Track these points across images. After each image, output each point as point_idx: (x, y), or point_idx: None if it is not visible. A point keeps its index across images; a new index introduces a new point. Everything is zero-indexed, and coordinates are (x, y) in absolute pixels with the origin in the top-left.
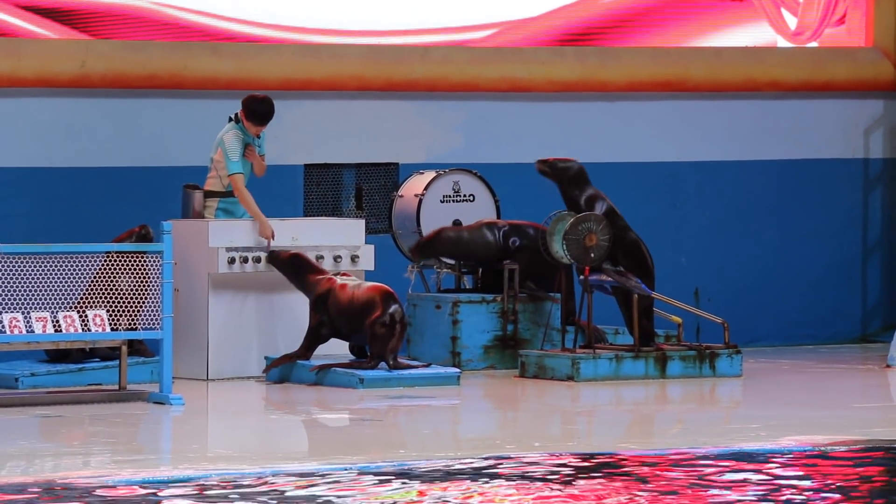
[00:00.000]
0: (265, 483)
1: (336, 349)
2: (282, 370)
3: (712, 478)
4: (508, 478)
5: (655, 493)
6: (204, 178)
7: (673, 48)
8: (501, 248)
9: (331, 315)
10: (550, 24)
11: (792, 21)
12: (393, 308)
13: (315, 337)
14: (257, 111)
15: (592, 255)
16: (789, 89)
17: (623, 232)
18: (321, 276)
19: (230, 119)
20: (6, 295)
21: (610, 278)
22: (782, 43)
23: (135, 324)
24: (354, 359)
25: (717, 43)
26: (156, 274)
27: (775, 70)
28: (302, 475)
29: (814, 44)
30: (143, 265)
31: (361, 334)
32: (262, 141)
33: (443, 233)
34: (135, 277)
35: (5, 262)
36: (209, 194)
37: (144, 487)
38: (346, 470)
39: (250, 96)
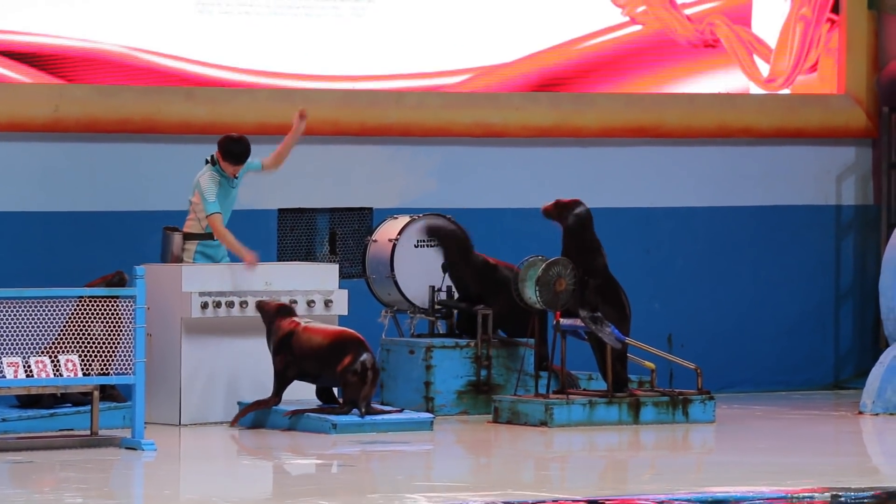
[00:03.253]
0: None
1: (308, 394)
2: (255, 415)
3: None
4: None
5: None
6: (179, 222)
7: (647, 94)
8: (482, 276)
9: (296, 356)
10: (525, 69)
11: (764, 68)
12: (364, 356)
13: (283, 380)
14: (233, 151)
15: (562, 299)
16: (762, 136)
17: (607, 281)
18: (287, 319)
19: (206, 161)
20: None
21: (583, 324)
22: (755, 89)
23: (107, 369)
24: (322, 403)
25: (690, 89)
26: (128, 319)
27: (748, 116)
28: None
29: (786, 91)
30: (115, 310)
31: (330, 378)
32: (239, 182)
33: (447, 223)
34: (107, 323)
35: None
36: (188, 236)
37: None
38: None
39: (226, 137)
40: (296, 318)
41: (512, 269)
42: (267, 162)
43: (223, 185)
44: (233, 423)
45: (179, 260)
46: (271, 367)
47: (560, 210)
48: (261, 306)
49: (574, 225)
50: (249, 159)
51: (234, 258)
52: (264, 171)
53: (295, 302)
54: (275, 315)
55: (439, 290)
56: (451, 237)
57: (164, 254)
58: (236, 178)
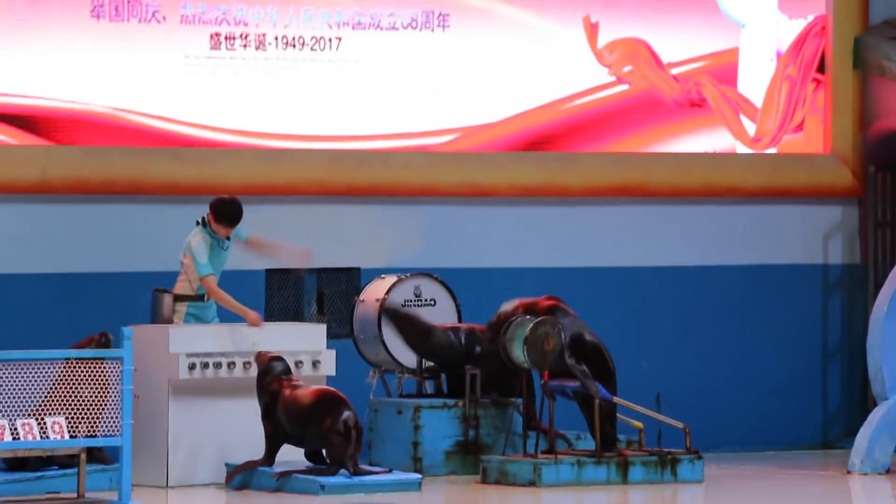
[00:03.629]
0: None
1: (298, 455)
2: (243, 476)
3: None
4: None
5: None
6: (166, 282)
7: (633, 153)
8: (462, 352)
9: (281, 420)
10: (511, 128)
11: (751, 127)
12: (346, 414)
13: (274, 443)
14: (226, 213)
15: (550, 358)
16: (749, 195)
17: (583, 337)
18: (273, 381)
19: (197, 223)
20: None
21: (571, 383)
22: (741, 149)
23: (94, 431)
24: (312, 465)
25: (676, 148)
26: (115, 380)
27: (735, 176)
28: None
29: (773, 150)
30: (102, 372)
31: (315, 439)
32: (230, 244)
33: (413, 313)
34: (94, 384)
35: None
36: (179, 298)
37: None
38: None
39: (218, 198)
40: (283, 379)
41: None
42: (252, 240)
43: (214, 247)
44: (228, 481)
45: (170, 321)
46: (259, 429)
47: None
48: (256, 357)
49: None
50: (239, 226)
51: (225, 318)
52: (248, 246)
53: None
54: (265, 371)
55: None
56: (406, 321)
57: (155, 316)
58: (228, 239)
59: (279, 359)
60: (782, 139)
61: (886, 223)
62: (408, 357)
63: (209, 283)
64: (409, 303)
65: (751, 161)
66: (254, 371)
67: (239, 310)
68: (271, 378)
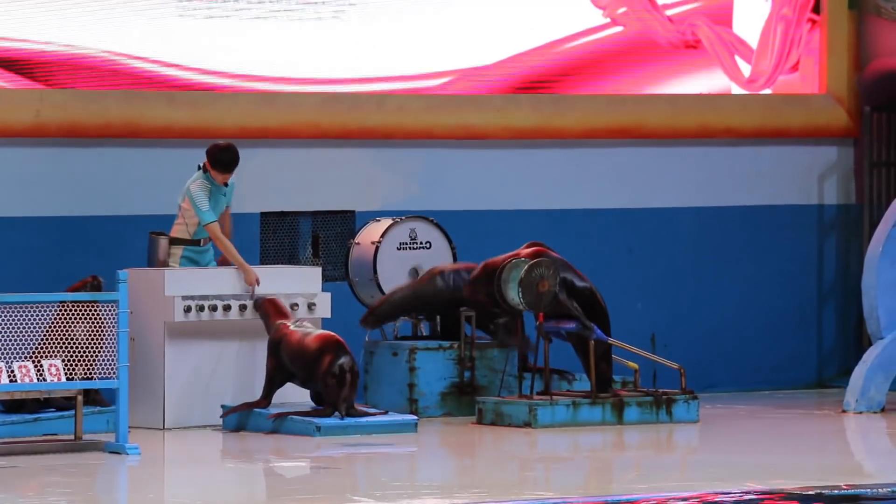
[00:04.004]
0: None
1: (295, 397)
2: (239, 417)
3: None
4: None
5: None
6: (161, 226)
7: (628, 96)
8: (454, 296)
9: (283, 361)
10: (506, 71)
11: (746, 68)
12: (342, 359)
13: (271, 383)
14: (222, 159)
15: (545, 300)
16: (744, 136)
17: (575, 281)
18: (280, 322)
19: (198, 167)
20: None
21: (566, 325)
22: (736, 90)
23: (90, 373)
24: (314, 406)
25: (672, 90)
26: (111, 323)
27: (730, 117)
28: None
29: (768, 91)
30: (96, 314)
31: (313, 382)
32: (230, 190)
33: (391, 298)
34: (89, 327)
35: None
36: (175, 241)
37: None
38: None
39: (214, 145)
40: (286, 322)
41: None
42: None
43: (213, 193)
44: (226, 415)
45: (165, 265)
46: (255, 370)
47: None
48: (257, 304)
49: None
50: (233, 185)
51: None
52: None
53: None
54: (273, 314)
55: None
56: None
57: (151, 259)
58: (226, 185)
59: (276, 301)
60: (777, 80)
61: (881, 163)
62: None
63: (214, 230)
64: (404, 246)
65: (746, 102)
66: (249, 313)
67: (239, 264)
68: (280, 317)
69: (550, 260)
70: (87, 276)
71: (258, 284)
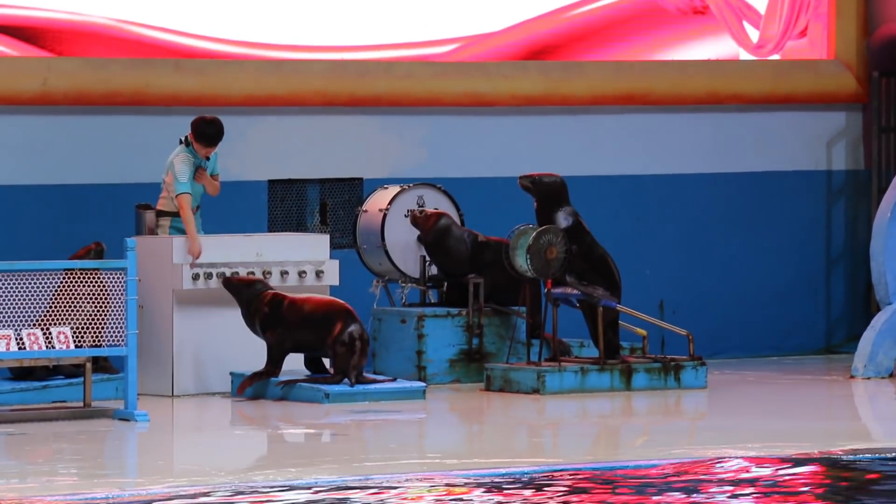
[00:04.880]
0: (237, 496)
1: (297, 364)
2: (254, 388)
3: (676, 491)
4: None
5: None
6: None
7: (636, 62)
8: (470, 256)
9: (289, 328)
10: (513, 38)
11: (754, 34)
12: (352, 327)
13: (280, 352)
14: (206, 133)
15: (553, 267)
16: (752, 102)
17: (590, 247)
18: (261, 296)
19: (180, 142)
20: None
21: (575, 291)
22: (745, 56)
23: (99, 340)
24: (311, 373)
25: (679, 56)
26: (119, 291)
27: (738, 83)
28: (269, 489)
29: (776, 56)
30: (102, 282)
31: (320, 349)
32: (213, 162)
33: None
34: (96, 294)
35: None
36: (161, 213)
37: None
38: (314, 484)
39: (199, 118)
40: (273, 291)
41: (502, 243)
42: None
43: (195, 166)
44: (241, 390)
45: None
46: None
47: (533, 182)
48: (230, 282)
49: (555, 193)
50: (216, 157)
51: (227, 229)
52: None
53: (286, 273)
54: (252, 290)
55: (430, 261)
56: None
57: (139, 231)
58: (208, 159)
59: (260, 280)
60: (786, 45)
61: (890, 128)
62: (411, 266)
63: (183, 201)
64: (411, 212)
65: (754, 68)
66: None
67: (190, 233)
68: (256, 295)
69: (558, 227)
70: (91, 243)
71: (198, 257)
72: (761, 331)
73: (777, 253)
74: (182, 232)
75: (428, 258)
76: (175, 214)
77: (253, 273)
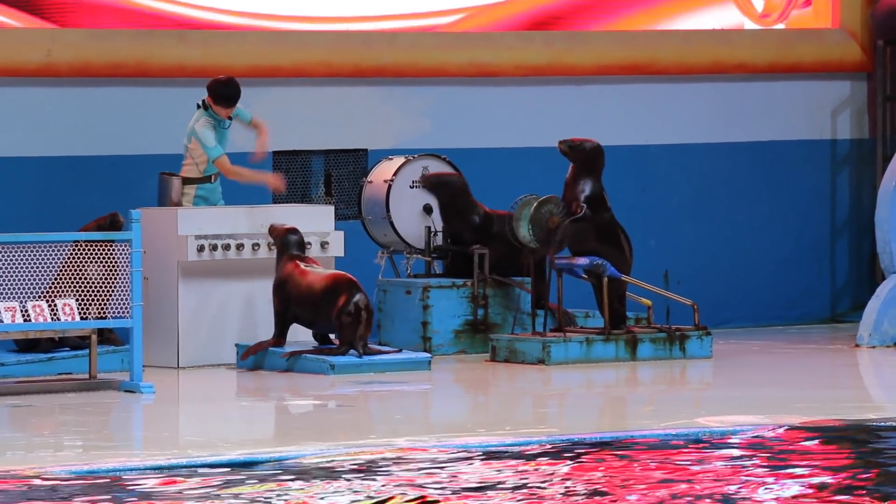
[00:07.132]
0: (239, 469)
1: (305, 336)
2: (255, 357)
3: (681, 459)
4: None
5: (643, 472)
6: (172, 166)
7: (640, 32)
8: (480, 228)
9: (292, 300)
10: (518, 8)
11: (759, 3)
12: (357, 297)
13: (284, 321)
14: (224, 94)
15: (555, 236)
16: (756, 71)
17: (608, 223)
18: (288, 260)
19: (198, 106)
20: None
21: (580, 261)
22: (749, 25)
23: (104, 312)
24: (318, 345)
25: (684, 26)
26: (125, 262)
27: (742, 52)
28: (275, 461)
29: (780, 26)
30: (111, 254)
31: (325, 322)
32: (242, 113)
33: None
34: (103, 266)
35: None
36: (187, 181)
37: (117, 475)
38: (319, 453)
39: (214, 80)
40: (297, 258)
41: (508, 216)
42: (255, 121)
43: (218, 128)
44: (244, 357)
45: (178, 205)
46: (268, 310)
47: (571, 147)
48: (270, 231)
49: (582, 161)
50: (242, 107)
51: (231, 201)
52: (250, 126)
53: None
54: (281, 245)
55: (435, 232)
56: (449, 185)
57: (163, 199)
58: (229, 119)
59: (294, 231)
60: (790, 14)
61: (895, 97)
62: (416, 237)
63: (223, 163)
64: (417, 184)
65: (759, 37)
66: (263, 252)
67: (258, 178)
68: (287, 256)
69: (558, 197)
70: (99, 215)
71: (283, 186)
72: (766, 300)
73: (782, 222)
74: (206, 200)
75: (440, 222)
76: (200, 180)
77: (309, 244)
